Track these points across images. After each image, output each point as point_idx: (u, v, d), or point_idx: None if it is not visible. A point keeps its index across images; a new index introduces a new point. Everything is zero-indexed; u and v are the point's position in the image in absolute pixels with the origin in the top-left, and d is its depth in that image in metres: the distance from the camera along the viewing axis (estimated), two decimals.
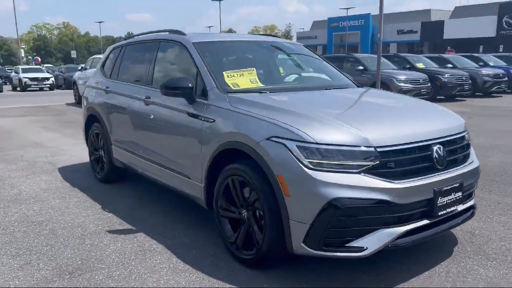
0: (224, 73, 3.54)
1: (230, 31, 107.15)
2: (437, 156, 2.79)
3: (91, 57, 16.49)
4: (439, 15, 58.02)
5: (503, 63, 19.22)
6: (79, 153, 6.99)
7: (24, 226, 3.90)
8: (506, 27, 47.01)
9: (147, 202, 4.50)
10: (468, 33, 49.75)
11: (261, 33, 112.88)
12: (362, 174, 2.55)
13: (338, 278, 2.88)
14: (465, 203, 2.99)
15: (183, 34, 4.11)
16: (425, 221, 2.73)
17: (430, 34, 53.44)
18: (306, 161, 2.56)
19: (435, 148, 2.80)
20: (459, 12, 55.21)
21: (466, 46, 45.86)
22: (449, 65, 16.82)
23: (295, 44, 4.76)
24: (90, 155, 5.50)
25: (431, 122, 3.04)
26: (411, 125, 2.94)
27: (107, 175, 5.12)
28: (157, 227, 3.80)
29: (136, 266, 3.09)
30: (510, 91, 17.48)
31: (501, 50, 40.62)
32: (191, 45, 3.79)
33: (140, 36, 5.03)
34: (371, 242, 2.56)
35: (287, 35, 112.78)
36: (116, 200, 4.59)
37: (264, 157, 2.73)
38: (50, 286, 2.83)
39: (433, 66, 16.08)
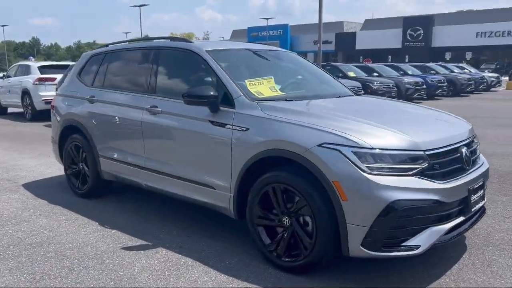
0: (246, 81, 3.55)
1: (146, 37, 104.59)
2: (465, 157, 3.05)
3: (14, 64, 15.25)
4: (351, 27, 61.80)
5: (419, 72, 21.01)
6: (36, 167, 6.48)
7: (23, 249, 3.55)
8: (410, 39, 51.29)
9: (145, 215, 4.30)
10: (377, 44, 53.51)
11: None
12: (415, 176, 2.72)
13: (371, 277, 3.02)
14: (482, 201, 3.28)
15: (190, 42, 4.03)
16: (462, 218, 2.96)
17: (344, 45, 56.68)
18: (363, 166, 2.67)
19: (463, 150, 3.05)
20: (369, 24, 59.25)
21: (376, 56, 49.32)
22: (375, 74, 18.01)
23: (293, 53, 4.86)
24: (66, 169, 5.12)
25: (454, 127, 3.31)
26: (442, 129, 3.18)
27: (91, 190, 4.81)
28: (173, 240, 3.66)
29: (177, 282, 2.97)
30: (427, 97, 19.13)
31: (406, 60, 44.16)
32: (205, 53, 3.74)
33: (126, 43, 4.82)
34: (423, 240, 2.73)
35: None
36: (110, 215, 4.33)
37: (317, 164, 2.78)
38: None
39: (363, 74, 17.12)
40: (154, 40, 4.61)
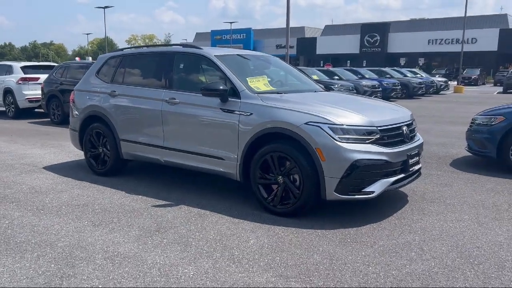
0: (247, 79, 4.73)
1: (107, 38, 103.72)
2: (405, 133, 4.35)
3: None
4: (312, 32, 63.92)
5: (375, 76, 22.84)
6: (46, 155, 7.38)
7: (74, 208, 4.56)
8: (367, 45, 53.97)
9: (161, 185, 5.38)
10: (337, 49, 55.81)
11: (139, 41, 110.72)
12: (371, 144, 3.99)
13: (341, 219, 4.27)
14: (418, 165, 4.60)
15: (200, 48, 5.17)
16: (403, 174, 4.26)
17: (305, 49, 58.74)
18: (336, 137, 3.91)
19: (404, 128, 4.36)
20: (329, 30, 61.52)
21: (336, 60, 51.59)
22: (336, 77, 19.57)
23: (277, 58, 6.10)
24: (86, 153, 6.10)
25: (399, 112, 4.63)
26: (389, 114, 4.48)
27: (111, 169, 5.83)
28: (191, 200, 4.77)
29: (202, 223, 4.11)
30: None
31: (364, 65, 46.62)
32: (214, 57, 4.89)
33: (142, 48, 5.89)
34: (377, 188, 4.00)
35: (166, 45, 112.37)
36: (133, 186, 5.38)
37: (305, 137, 4.00)
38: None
39: (325, 78, 18.63)
40: (167, 46, 5.70)
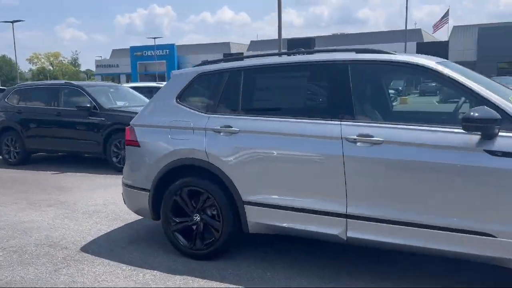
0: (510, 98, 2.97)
1: (5, 57, 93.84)
2: None
3: None
4: (238, 48, 63.16)
5: None
6: (57, 223, 4.92)
7: None
8: None
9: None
10: None
11: (42, 60, 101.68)
12: None
13: None
14: None
15: (393, 53, 3.29)
16: None
17: None
18: None
19: None
20: (255, 45, 61.17)
21: None
22: None
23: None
24: (166, 226, 3.85)
25: None
26: None
27: (219, 249, 3.67)
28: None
29: None
30: None
31: None
32: (437, 66, 3.05)
33: (268, 58, 3.80)
34: None
35: (74, 63, 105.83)
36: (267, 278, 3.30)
37: None
38: None
39: None
40: (325, 53, 3.69)
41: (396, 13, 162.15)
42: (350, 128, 3.14)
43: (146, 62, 61.30)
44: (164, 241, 3.97)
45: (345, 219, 3.17)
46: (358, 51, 3.38)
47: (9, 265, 3.76)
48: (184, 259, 3.76)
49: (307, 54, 3.93)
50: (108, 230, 4.62)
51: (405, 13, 38.30)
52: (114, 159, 7.93)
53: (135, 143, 4.00)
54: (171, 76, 4.13)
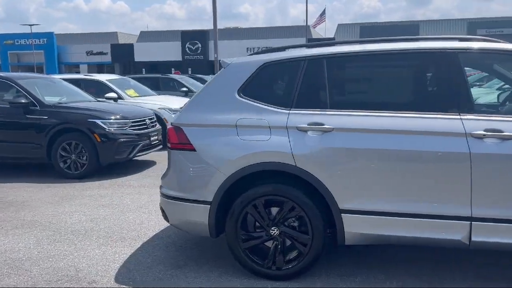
0: None
1: None
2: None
3: None
4: (126, 38, 59.85)
5: None
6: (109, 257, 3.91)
7: None
8: (189, 52, 53.14)
9: None
10: (158, 56, 53.48)
11: None
12: None
13: None
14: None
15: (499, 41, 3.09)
16: None
17: (121, 56, 54.33)
18: None
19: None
20: (145, 36, 58.62)
21: (158, 68, 49.26)
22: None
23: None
24: (235, 242, 3.21)
25: None
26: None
27: (306, 267, 3.17)
28: None
29: None
30: None
31: (189, 72, 45.48)
32: None
33: (358, 45, 3.31)
34: None
35: None
36: None
37: None
38: None
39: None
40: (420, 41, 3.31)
41: (275, 10, 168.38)
42: (473, 123, 2.88)
43: (19, 52, 54.99)
44: (216, 258, 3.37)
45: (469, 222, 2.91)
46: (462, 39, 3.14)
47: None
48: (256, 280, 3.18)
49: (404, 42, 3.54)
50: (130, 253, 3.78)
51: (305, 10, 39.68)
52: (62, 164, 6.69)
53: (188, 147, 3.27)
54: (224, 67, 3.45)
